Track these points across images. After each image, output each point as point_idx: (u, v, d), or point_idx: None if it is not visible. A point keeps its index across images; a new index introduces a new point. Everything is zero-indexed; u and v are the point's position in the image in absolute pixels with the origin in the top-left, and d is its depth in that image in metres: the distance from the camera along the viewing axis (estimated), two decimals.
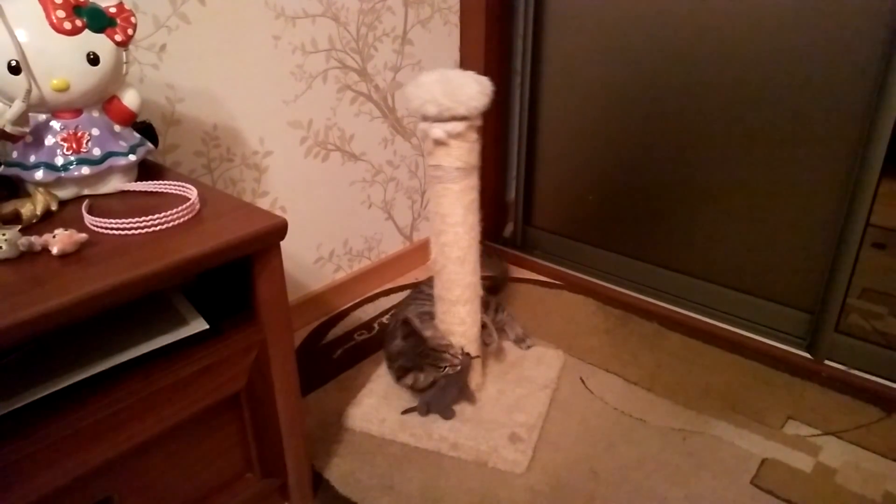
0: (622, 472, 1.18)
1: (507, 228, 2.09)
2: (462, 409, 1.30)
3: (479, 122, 1.17)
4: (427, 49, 1.75)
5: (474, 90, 1.12)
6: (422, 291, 1.51)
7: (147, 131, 1.08)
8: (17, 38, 0.81)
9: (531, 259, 1.96)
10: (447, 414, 1.28)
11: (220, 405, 0.93)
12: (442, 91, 1.10)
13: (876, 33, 1.25)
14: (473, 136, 1.17)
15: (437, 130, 1.13)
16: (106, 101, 0.93)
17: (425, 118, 1.14)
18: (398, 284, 1.86)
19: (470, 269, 1.26)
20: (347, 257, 1.75)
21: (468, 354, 1.26)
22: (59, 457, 0.75)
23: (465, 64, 1.86)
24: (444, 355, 1.23)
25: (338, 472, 1.19)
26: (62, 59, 0.84)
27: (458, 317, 1.28)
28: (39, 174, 0.87)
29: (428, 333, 1.26)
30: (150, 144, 1.00)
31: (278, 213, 1.31)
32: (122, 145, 0.93)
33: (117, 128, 0.94)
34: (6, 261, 0.75)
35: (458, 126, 1.13)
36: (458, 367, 1.23)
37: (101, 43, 0.87)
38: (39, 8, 0.82)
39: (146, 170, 1.04)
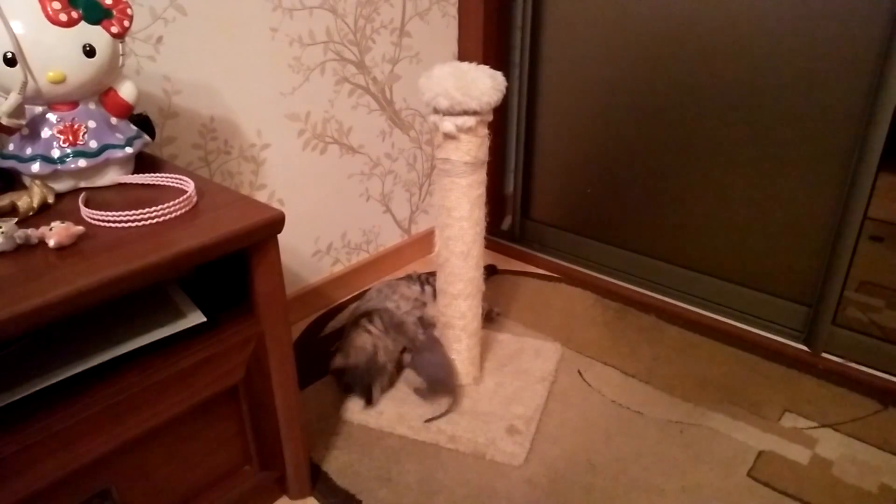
0: (620, 465, 1.19)
1: (505, 221, 2.08)
2: (460, 401, 1.31)
3: (490, 118, 1.16)
4: (425, 41, 1.75)
5: (487, 85, 1.10)
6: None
7: (144, 124, 1.08)
8: (13, 30, 0.80)
9: (529, 252, 1.96)
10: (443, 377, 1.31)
11: (217, 398, 0.93)
12: (454, 85, 1.09)
13: (874, 27, 1.25)
14: (484, 130, 1.16)
15: (448, 124, 1.12)
16: (102, 93, 0.92)
17: (436, 111, 1.14)
18: (396, 278, 1.86)
19: (473, 264, 1.26)
20: (346, 250, 1.75)
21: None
22: (57, 449, 0.75)
23: (463, 56, 1.85)
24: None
25: (336, 465, 1.19)
26: (58, 51, 0.84)
27: (458, 311, 1.29)
28: (36, 167, 0.87)
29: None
30: (146, 137, 0.99)
31: (276, 205, 1.31)
32: (119, 138, 0.93)
33: (114, 120, 0.94)
34: (3, 254, 0.75)
35: (468, 120, 1.12)
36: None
37: (97, 35, 0.87)
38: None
39: (143, 162, 1.04)
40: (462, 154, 1.15)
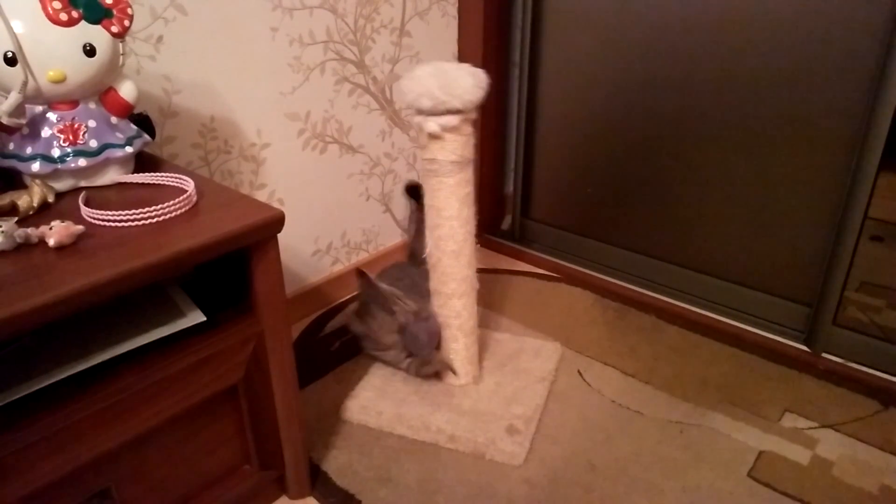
0: (620, 465, 1.18)
1: (505, 221, 2.09)
2: (460, 401, 1.31)
3: (474, 116, 1.16)
4: (425, 41, 1.75)
5: (469, 83, 1.11)
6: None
7: (144, 123, 1.08)
8: (13, 30, 0.80)
9: (529, 252, 1.96)
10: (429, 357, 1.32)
11: (217, 397, 0.94)
12: (437, 84, 1.09)
13: (874, 25, 1.25)
14: (468, 129, 1.17)
15: (432, 124, 1.12)
16: (103, 92, 0.93)
17: (420, 112, 1.14)
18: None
19: (465, 263, 1.26)
20: (345, 250, 1.75)
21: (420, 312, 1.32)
22: (56, 448, 0.75)
23: (463, 56, 1.85)
24: (396, 301, 1.30)
25: (335, 465, 1.19)
26: (58, 51, 0.84)
27: (453, 310, 1.28)
28: (36, 166, 0.87)
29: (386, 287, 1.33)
30: (147, 136, 0.99)
31: (276, 205, 1.31)
32: (119, 137, 0.93)
33: (114, 119, 0.94)
34: (3, 253, 0.75)
35: (452, 120, 1.12)
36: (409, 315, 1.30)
37: (97, 34, 0.87)
38: None
39: (143, 162, 1.04)
40: (448, 153, 1.16)
